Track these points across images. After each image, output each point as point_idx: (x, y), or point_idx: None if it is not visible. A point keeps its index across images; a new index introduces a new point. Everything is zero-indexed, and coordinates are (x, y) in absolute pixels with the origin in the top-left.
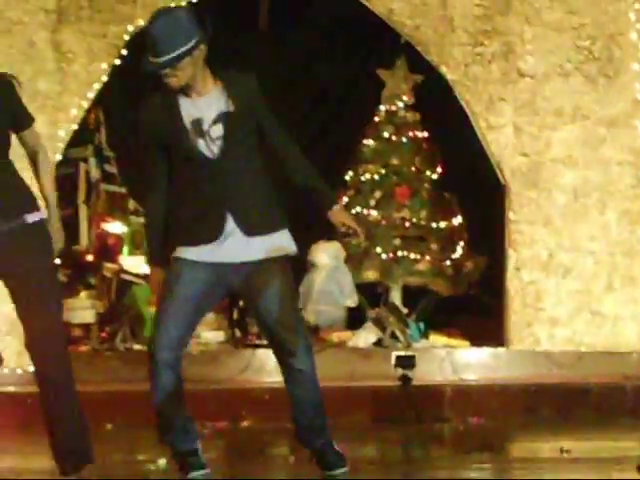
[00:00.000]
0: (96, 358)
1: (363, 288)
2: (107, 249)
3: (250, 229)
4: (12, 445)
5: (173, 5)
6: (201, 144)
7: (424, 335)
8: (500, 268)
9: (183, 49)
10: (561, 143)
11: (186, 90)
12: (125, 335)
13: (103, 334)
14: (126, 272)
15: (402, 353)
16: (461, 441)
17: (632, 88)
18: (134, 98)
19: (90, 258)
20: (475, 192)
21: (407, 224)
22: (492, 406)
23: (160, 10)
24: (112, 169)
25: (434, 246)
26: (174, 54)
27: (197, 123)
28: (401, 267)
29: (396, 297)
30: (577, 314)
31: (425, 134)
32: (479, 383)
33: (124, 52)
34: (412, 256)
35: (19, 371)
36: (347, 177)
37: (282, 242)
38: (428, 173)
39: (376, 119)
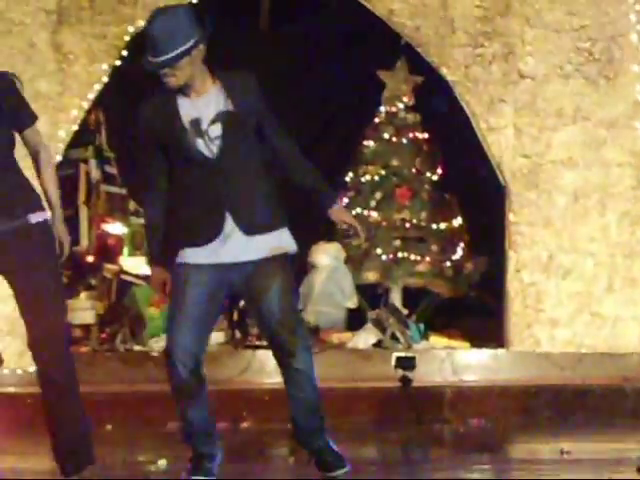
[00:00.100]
0: (96, 359)
1: (363, 289)
2: (107, 250)
3: (250, 228)
4: (13, 446)
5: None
6: (200, 144)
7: (424, 336)
8: (500, 269)
9: (182, 49)
10: (561, 144)
11: (185, 90)
12: (125, 336)
13: (103, 335)
14: (126, 273)
15: (402, 354)
16: (461, 442)
17: (632, 89)
18: (134, 99)
19: (90, 259)
20: (475, 193)
21: (407, 225)
22: (492, 407)
23: (159, 10)
24: (112, 170)
25: (434, 247)
26: (173, 54)
27: (196, 123)
28: (401, 268)
29: (396, 298)
30: (577, 315)
31: (425, 135)
32: (479, 384)
33: (124, 53)
34: (412, 257)
35: (19, 372)
36: (347, 178)
37: (282, 241)
38: (428, 174)
39: (376, 120)
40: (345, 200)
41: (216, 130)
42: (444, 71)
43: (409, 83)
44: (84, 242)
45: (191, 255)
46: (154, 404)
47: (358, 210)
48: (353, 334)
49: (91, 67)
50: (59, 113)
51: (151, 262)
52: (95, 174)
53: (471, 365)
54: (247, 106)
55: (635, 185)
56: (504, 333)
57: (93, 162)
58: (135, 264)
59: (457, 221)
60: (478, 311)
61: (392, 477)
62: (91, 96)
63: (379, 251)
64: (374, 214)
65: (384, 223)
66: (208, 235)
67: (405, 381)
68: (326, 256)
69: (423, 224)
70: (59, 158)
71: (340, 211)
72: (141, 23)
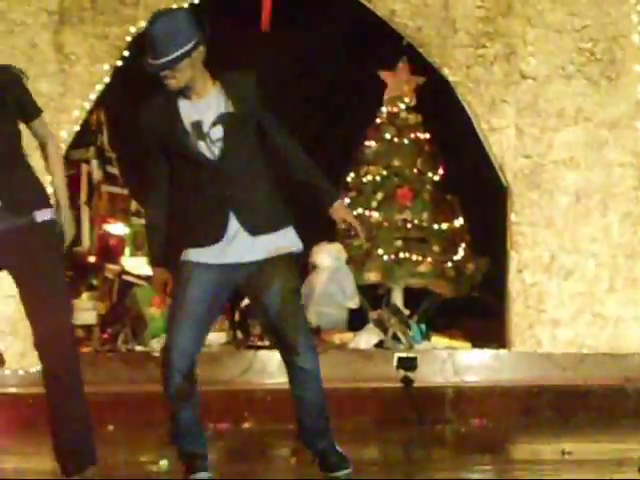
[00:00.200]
0: (98, 359)
1: (365, 290)
2: (109, 250)
3: (254, 228)
4: (14, 446)
5: (174, 6)
6: (202, 146)
7: (426, 337)
8: (502, 270)
9: (182, 51)
10: (563, 145)
11: (185, 92)
12: (127, 336)
13: (105, 335)
14: (128, 273)
15: (404, 355)
16: (463, 442)
17: (634, 90)
18: (136, 99)
19: (92, 259)
20: (477, 194)
21: (409, 226)
22: (494, 408)
23: (159, 12)
24: (114, 170)
25: (436, 248)
26: (173, 56)
27: (197, 125)
28: (403, 269)
29: (398, 298)
30: (579, 316)
31: (427, 136)
32: (481, 385)
33: (126, 53)
34: (414, 258)
35: (21, 372)
36: (349, 178)
37: (287, 240)
38: (430, 175)
39: (378, 121)
40: (347, 200)
41: (217, 132)
42: (446, 71)
43: (410, 83)
44: (86, 242)
45: (196, 254)
46: (156, 404)
47: (359, 210)
48: (355, 334)
49: (93, 67)
50: (61, 114)
51: (152, 263)
52: (97, 174)
53: (473, 365)
54: (248, 107)
55: (637, 185)
56: (506, 333)
57: (95, 162)
58: (136, 264)
59: (459, 221)
60: (480, 311)
61: (393, 477)
62: (93, 97)
63: (380, 251)
64: (375, 214)
65: (385, 223)
66: (214, 236)
67: (407, 381)
68: (328, 257)
69: (425, 224)
70: None
71: (341, 209)
72: (142, 24)
